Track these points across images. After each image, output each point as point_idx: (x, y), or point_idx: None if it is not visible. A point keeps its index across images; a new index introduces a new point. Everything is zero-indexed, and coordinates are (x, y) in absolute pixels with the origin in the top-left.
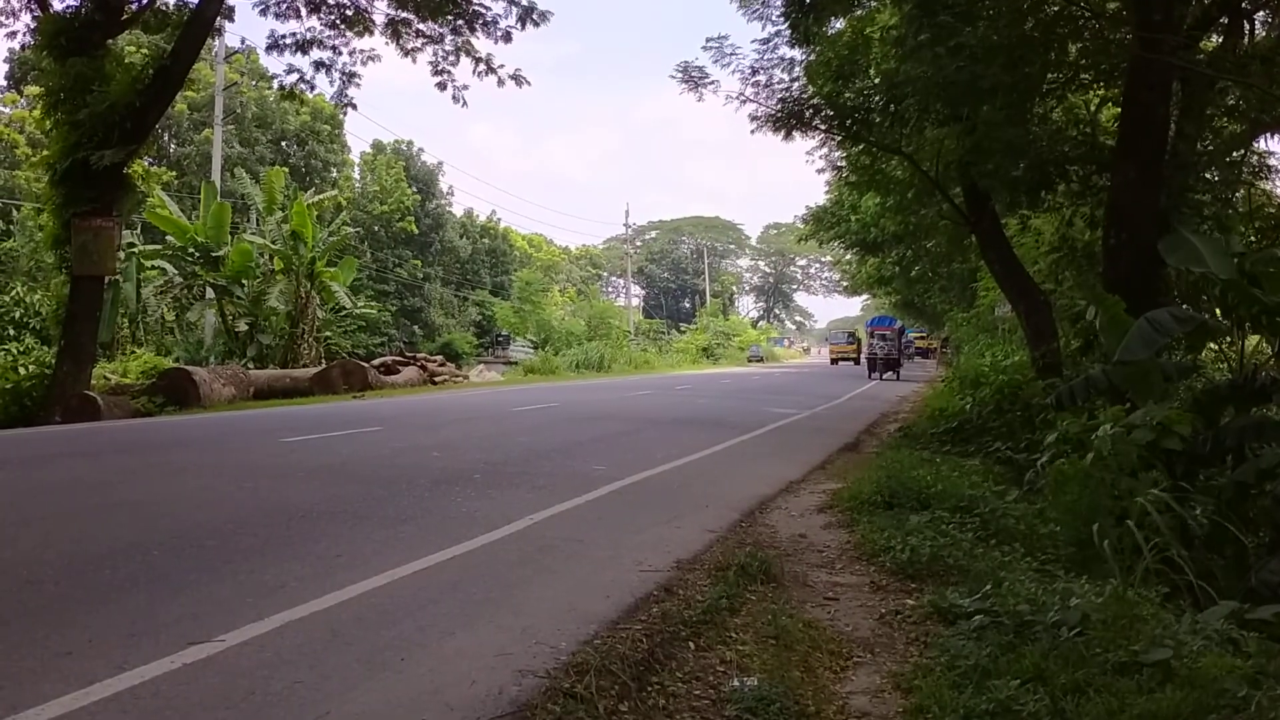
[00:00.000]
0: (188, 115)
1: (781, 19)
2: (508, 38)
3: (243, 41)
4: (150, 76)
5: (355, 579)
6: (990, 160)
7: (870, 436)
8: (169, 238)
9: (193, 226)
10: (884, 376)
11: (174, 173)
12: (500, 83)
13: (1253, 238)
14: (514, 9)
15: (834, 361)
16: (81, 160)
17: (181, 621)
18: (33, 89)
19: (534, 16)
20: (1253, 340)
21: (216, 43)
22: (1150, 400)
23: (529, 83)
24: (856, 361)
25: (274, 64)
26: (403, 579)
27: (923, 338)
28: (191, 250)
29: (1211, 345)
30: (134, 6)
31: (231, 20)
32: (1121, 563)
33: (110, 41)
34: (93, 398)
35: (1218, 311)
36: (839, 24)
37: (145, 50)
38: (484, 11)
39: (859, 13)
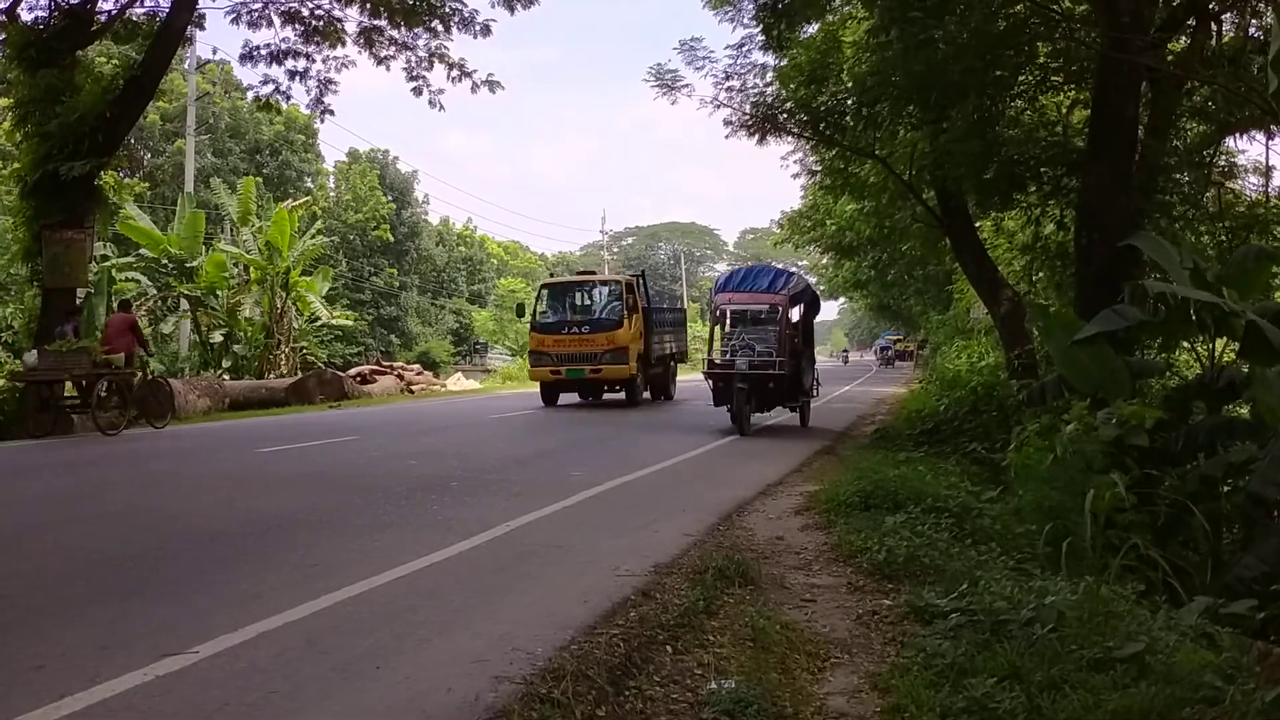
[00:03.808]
0: (160, 126)
1: (754, 22)
2: (487, 30)
3: (214, 51)
4: (121, 87)
5: (331, 588)
6: (959, 169)
7: (847, 438)
8: (143, 250)
9: (166, 238)
10: (752, 420)
11: (147, 184)
12: (474, 88)
13: (1223, 237)
14: None
15: (549, 393)
16: (52, 172)
17: (155, 633)
18: (1, 101)
19: (520, 1)
20: (1223, 339)
21: (188, 53)
22: (1120, 398)
23: (502, 87)
24: (616, 386)
25: (248, 75)
26: (379, 587)
27: (900, 340)
28: (165, 261)
29: (1184, 343)
30: (103, 17)
31: (203, 29)
32: (1097, 560)
33: (80, 52)
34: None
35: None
36: (811, 28)
37: (115, 61)
38: (461, 7)
39: (831, 18)
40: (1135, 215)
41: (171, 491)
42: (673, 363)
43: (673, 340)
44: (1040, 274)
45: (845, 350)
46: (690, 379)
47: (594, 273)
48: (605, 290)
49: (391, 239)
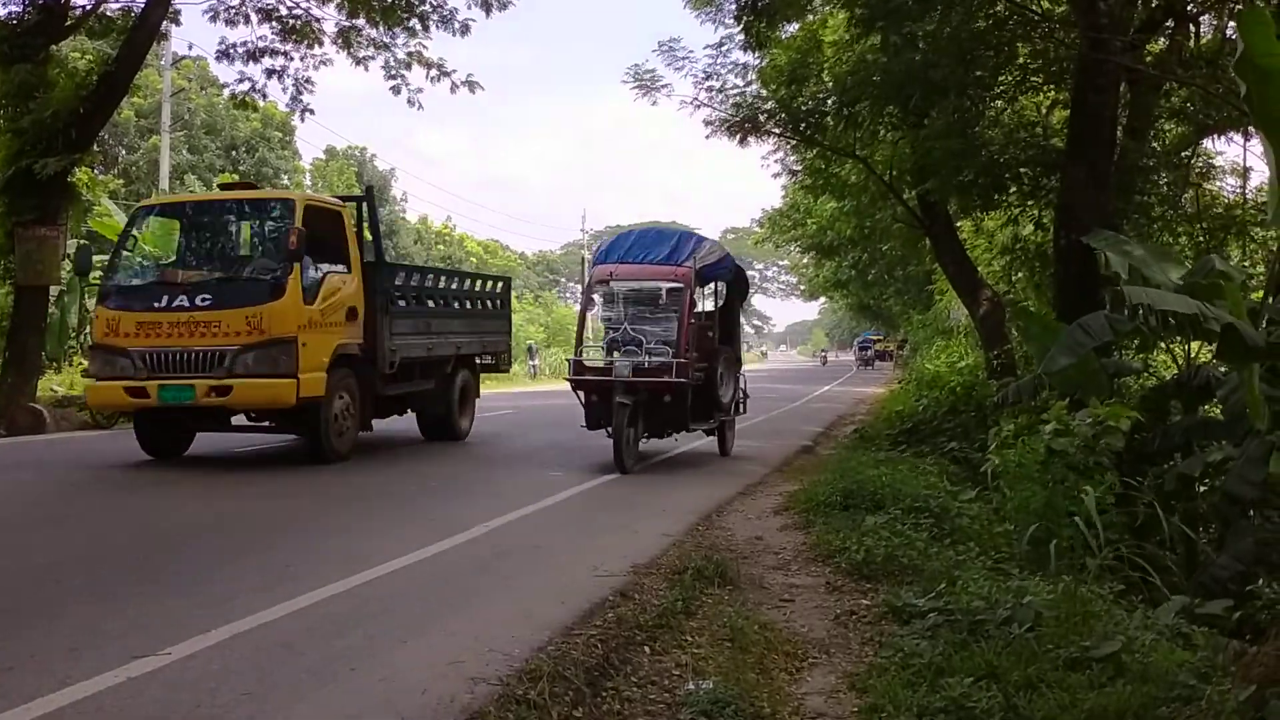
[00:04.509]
0: (135, 122)
1: (734, 22)
2: (466, 29)
3: (190, 47)
4: (95, 83)
5: (306, 589)
6: (938, 173)
7: (827, 438)
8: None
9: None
10: (666, 441)
11: (121, 180)
12: (453, 88)
13: (1200, 239)
14: None
15: (150, 433)
16: (25, 169)
17: (127, 635)
18: None
19: (496, 2)
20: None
21: (164, 48)
22: (1098, 398)
23: (482, 87)
24: None
25: (225, 72)
26: (355, 588)
27: (880, 340)
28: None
29: (1161, 344)
30: (78, 12)
31: (178, 24)
32: (1075, 560)
33: (54, 48)
34: (38, 410)
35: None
36: (792, 28)
37: (90, 56)
38: (440, 4)
39: (811, 17)
40: (1114, 216)
41: (143, 492)
42: (464, 374)
43: (466, 334)
44: (1019, 274)
45: (824, 350)
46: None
47: (255, 186)
48: (259, 221)
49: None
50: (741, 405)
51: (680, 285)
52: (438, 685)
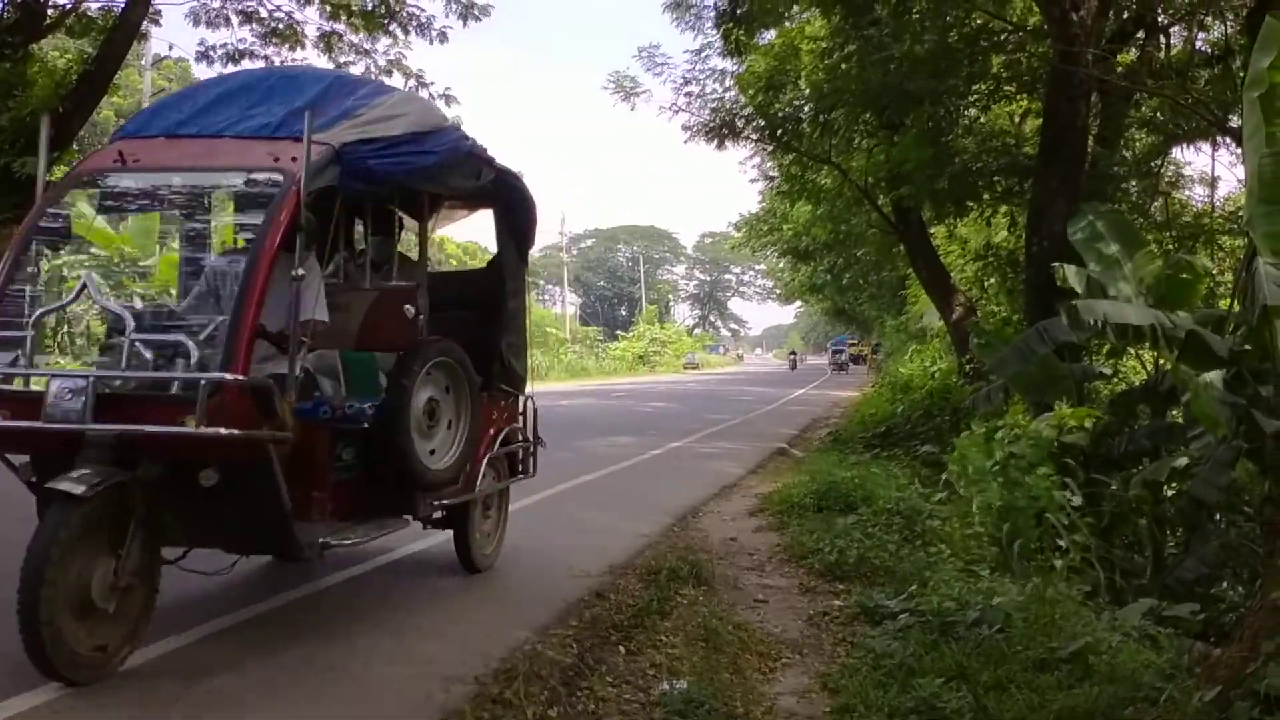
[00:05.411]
0: (115, 122)
1: (713, 29)
2: (443, 37)
3: (170, 48)
4: (74, 82)
5: (282, 588)
6: (912, 180)
7: (802, 441)
8: (95, 248)
9: (119, 236)
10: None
11: None
12: (430, 100)
13: (1170, 246)
14: (455, 4)
15: None
16: (3, 167)
17: None
18: None
19: (475, 12)
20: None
21: (144, 48)
22: (1064, 402)
23: (459, 101)
24: None
25: (205, 73)
26: (330, 588)
27: (855, 344)
28: (118, 260)
29: (1131, 349)
30: (57, 11)
31: (159, 25)
32: (1044, 561)
33: (34, 46)
34: None
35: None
36: (769, 35)
37: (70, 55)
38: (418, 13)
39: (789, 24)
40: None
41: None
42: None
43: None
44: (991, 280)
45: (794, 353)
46: None
47: None
48: None
49: None
50: (524, 465)
51: (270, 182)
52: (413, 684)
